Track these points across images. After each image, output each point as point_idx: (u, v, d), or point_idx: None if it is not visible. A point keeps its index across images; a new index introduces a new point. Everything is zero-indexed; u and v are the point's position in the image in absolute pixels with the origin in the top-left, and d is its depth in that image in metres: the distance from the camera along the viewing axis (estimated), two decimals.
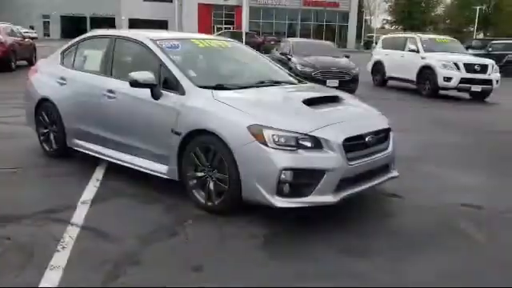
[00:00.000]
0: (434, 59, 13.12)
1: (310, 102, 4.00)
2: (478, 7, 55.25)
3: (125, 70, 4.75)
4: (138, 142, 4.39)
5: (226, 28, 46.53)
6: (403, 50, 14.59)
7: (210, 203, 3.85)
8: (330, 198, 3.55)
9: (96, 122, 4.80)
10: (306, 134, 3.52)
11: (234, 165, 3.59)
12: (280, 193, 3.47)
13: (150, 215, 3.86)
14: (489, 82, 12.75)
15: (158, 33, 5.07)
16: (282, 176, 3.43)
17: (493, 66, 12.96)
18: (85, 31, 7.44)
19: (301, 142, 3.50)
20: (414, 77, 13.68)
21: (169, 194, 4.27)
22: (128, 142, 4.48)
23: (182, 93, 4.06)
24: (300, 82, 5.02)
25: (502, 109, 12.15)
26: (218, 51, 5.08)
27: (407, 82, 14.27)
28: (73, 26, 55.65)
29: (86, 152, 5.04)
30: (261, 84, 4.53)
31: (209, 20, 49.25)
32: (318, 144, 3.53)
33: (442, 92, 13.08)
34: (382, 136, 4.06)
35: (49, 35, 55.24)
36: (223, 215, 3.80)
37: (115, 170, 4.87)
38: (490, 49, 22.58)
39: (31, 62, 17.99)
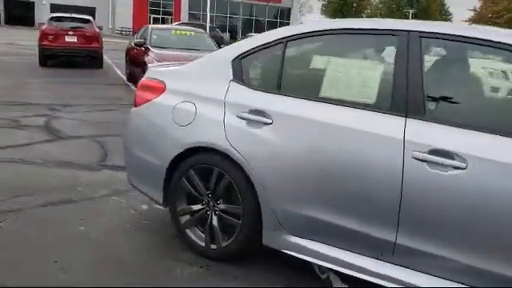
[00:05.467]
0: (476, 65, 11.61)
1: None
2: (410, 10, 56.51)
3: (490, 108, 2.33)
4: None
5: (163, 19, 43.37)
6: None
7: None
8: None
9: (387, 216, 2.25)
10: None
11: None
12: None
13: None
14: None
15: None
16: None
17: None
18: None
19: None
20: None
21: None
22: None
23: None
24: None
25: None
26: None
27: None
28: None
29: (332, 267, 2.47)
30: None
31: (145, 9, 45.11)
32: None
33: None
34: None
35: None
36: None
37: None
38: None
39: None
